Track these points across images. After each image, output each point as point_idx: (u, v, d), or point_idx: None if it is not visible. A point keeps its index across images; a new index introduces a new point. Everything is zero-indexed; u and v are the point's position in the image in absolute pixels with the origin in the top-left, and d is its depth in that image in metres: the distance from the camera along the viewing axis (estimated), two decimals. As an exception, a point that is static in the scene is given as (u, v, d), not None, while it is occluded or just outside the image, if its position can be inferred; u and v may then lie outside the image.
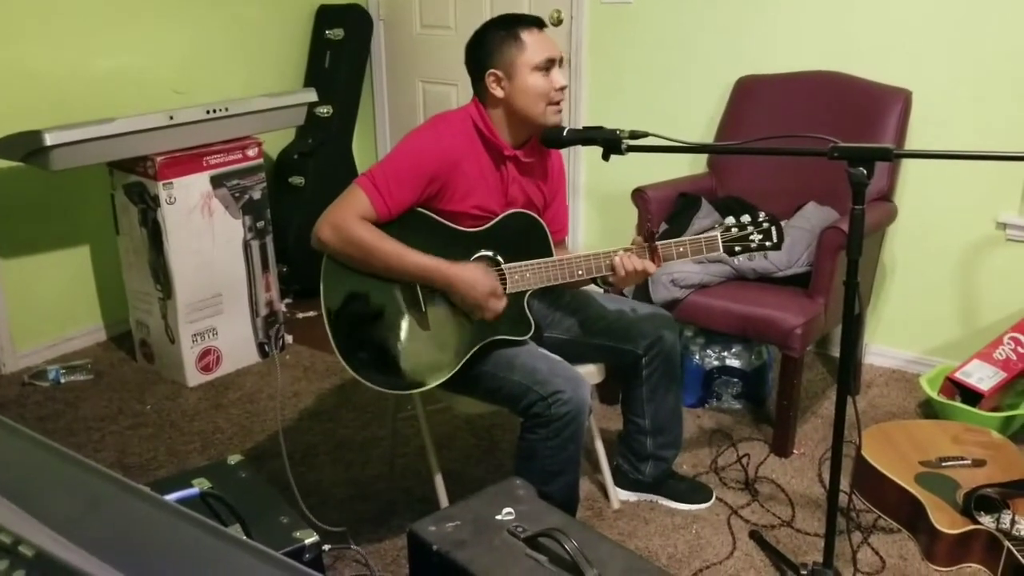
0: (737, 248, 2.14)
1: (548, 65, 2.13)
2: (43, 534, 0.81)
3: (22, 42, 3.26)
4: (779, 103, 3.24)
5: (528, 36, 2.12)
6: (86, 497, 0.86)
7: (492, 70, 2.14)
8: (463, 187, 2.14)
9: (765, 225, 2.13)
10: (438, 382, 2.10)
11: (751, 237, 2.13)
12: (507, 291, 2.14)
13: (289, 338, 3.68)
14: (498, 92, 2.14)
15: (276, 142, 4.17)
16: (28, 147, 2.86)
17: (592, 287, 2.30)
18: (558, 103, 2.16)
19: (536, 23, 2.16)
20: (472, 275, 2.09)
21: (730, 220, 2.14)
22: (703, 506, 2.53)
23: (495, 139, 2.17)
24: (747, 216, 2.14)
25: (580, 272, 2.15)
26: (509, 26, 2.14)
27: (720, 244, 2.13)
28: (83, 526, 0.82)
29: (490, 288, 2.09)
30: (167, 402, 3.20)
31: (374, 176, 2.07)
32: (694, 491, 2.56)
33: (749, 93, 3.33)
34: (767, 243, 2.14)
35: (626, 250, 2.13)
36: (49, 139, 2.81)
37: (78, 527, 0.82)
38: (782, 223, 2.16)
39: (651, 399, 2.40)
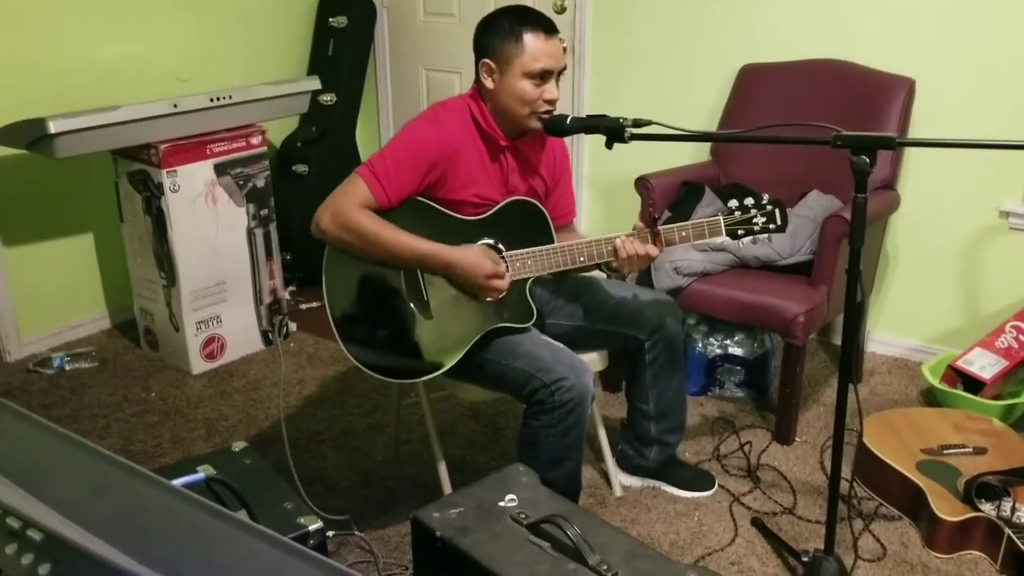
0: (740, 231, 2.12)
1: (543, 75, 2.09)
2: (51, 518, 0.82)
3: (25, 30, 3.26)
4: (782, 91, 3.23)
5: (532, 40, 2.07)
6: (93, 481, 0.87)
7: (486, 60, 2.12)
8: (463, 175, 2.14)
9: (769, 208, 2.12)
10: (441, 370, 2.11)
11: (755, 220, 2.11)
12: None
13: (293, 326, 3.69)
14: (488, 83, 2.13)
15: (280, 130, 4.17)
16: (32, 135, 2.86)
17: (597, 273, 2.30)
18: (544, 113, 2.13)
19: (545, 28, 2.09)
20: (471, 258, 2.09)
21: (733, 203, 2.12)
22: (706, 494, 2.54)
23: (491, 130, 2.16)
24: (751, 199, 2.12)
25: (582, 258, 2.15)
26: (517, 22, 2.09)
27: (723, 227, 2.12)
28: (91, 510, 0.83)
29: (490, 269, 2.09)
30: (171, 389, 3.21)
31: (374, 165, 2.07)
32: (697, 478, 2.57)
33: (752, 81, 3.33)
34: (771, 226, 2.12)
35: (628, 235, 2.13)
36: (53, 127, 2.81)
37: (86, 511, 0.83)
38: (785, 211, 2.16)
39: (655, 384, 2.41)
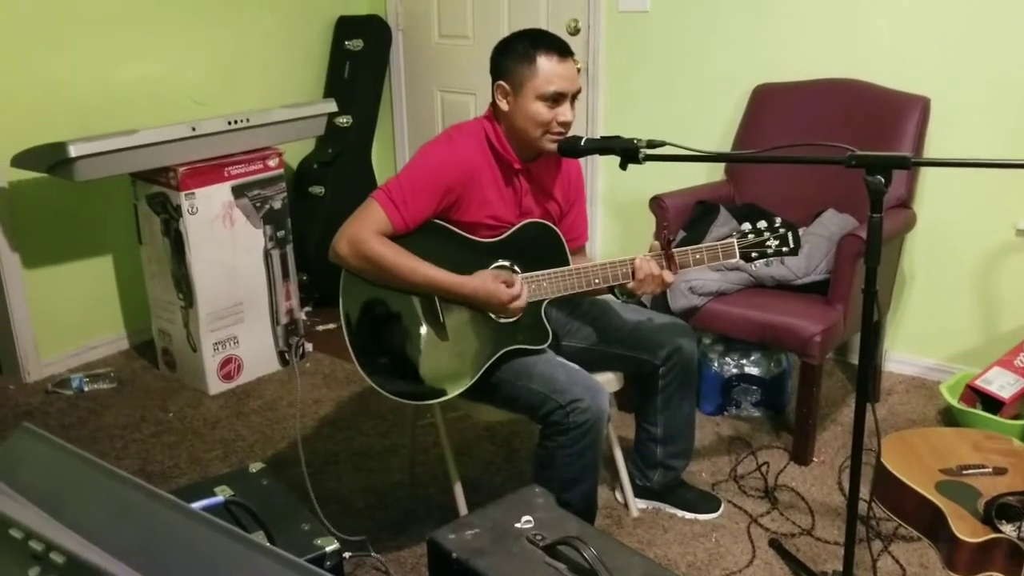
0: (754, 254, 2.14)
1: (556, 97, 2.10)
2: (73, 541, 0.83)
3: (45, 55, 3.31)
4: (796, 111, 3.23)
5: (545, 62, 2.08)
6: (115, 505, 0.88)
7: (501, 82, 2.14)
8: (478, 198, 2.15)
9: (782, 231, 2.13)
10: (457, 392, 2.11)
11: (768, 243, 2.13)
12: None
13: (309, 346, 3.70)
14: (503, 105, 2.15)
15: (296, 152, 4.21)
16: (53, 158, 2.90)
17: (609, 297, 2.30)
18: (558, 134, 2.14)
19: (560, 50, 2.10)
20: (485, 289, 2.10)
21: (746, 226, 2.14)
22: (710, 516, 2.52)
23: (506, 153, 2.17)
24: (763, 222, 2.13)
25: (597, 281, 2.15)
26: (531, 45, 2.10)
27: (737, 250, 2.13)
28: (112, 533, 0.84)
29: (506, 297, 2.10)
30: (189, 410, 3.23)
31: (390, 190, 2.08)
32: (702, 501, 2.55)
33: (766, 101, 3.33)
34: (784, 249, 2.14)
35: (644, 256, 2.14)
36: (73, 151, 2.85)
37: (107, 534, 0.83)
38: (800, 230, 2.16)
39: (665, 408, 2.40)
